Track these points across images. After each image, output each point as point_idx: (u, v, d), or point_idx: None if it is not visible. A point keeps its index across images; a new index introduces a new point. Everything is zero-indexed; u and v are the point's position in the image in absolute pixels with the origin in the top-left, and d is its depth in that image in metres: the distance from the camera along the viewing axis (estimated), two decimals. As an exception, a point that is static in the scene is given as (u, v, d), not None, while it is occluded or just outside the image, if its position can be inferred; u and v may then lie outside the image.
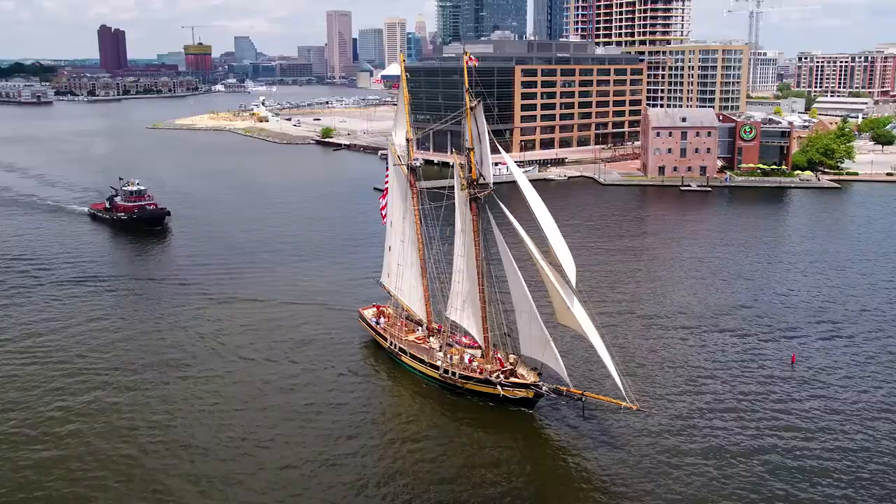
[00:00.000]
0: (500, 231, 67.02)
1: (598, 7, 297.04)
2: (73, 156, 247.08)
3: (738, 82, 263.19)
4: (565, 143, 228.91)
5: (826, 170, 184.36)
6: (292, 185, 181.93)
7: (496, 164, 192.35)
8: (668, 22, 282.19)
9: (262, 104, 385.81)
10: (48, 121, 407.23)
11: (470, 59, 78.99)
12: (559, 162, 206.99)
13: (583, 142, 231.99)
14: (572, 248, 64.23)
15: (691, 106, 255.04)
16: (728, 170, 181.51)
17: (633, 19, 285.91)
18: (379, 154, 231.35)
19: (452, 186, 73.56)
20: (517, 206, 65.73)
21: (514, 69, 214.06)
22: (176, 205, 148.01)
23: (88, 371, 73.74)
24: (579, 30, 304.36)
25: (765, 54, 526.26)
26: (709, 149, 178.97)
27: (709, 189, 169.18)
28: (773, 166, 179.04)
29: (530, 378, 64.11)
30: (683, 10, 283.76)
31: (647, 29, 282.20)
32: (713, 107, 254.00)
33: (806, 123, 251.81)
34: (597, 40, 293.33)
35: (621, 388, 57.91)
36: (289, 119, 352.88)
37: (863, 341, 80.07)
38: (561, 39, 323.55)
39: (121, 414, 64.83)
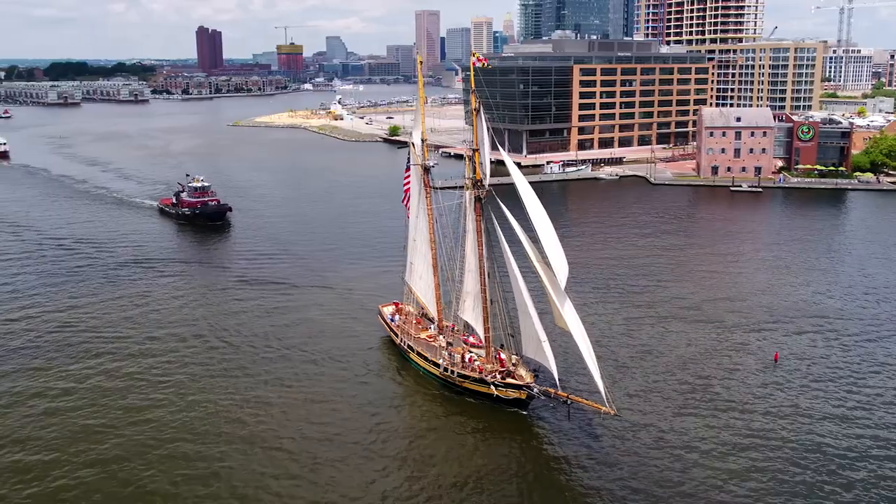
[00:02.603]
0: (504, 231, 67.89)
1: (670, 5, 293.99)
2: (155, 151, 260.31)
3: (811, 81, 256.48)
4: (625, 143, 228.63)
5: (890, 171, 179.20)
6: (351, 182, 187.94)
7: (548, 162, 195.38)
8: (740, 20, 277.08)
9: (339, 102, 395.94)
10: (140, 118, 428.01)
11: (479, 59, 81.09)
12: (617, 161, 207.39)
13: (644, 141, 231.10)
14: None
15: (761, 106, 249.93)
16: (786, 170, 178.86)
17: (703, 17, 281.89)
18: (440, 152, 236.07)
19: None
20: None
21: (572, 68, 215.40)
22: (241, 200, 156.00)
23: (103, 341, 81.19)
24: (650, 28, 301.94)
25: (858, 52, 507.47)
26: (764, 149, 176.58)
27: (759, 190, 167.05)
28: (832, 167, 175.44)
29: (527, 379, 65.20)
30: (757, 7, 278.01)
31: (719, 27, 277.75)
32: (784, 106, 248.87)
33: (886, 123, 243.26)
34: (667, 39, 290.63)
35: (602, 393, 58.94)
36: (362, 117, 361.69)
37: (861, 345, 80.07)
38: (625, 38, 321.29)
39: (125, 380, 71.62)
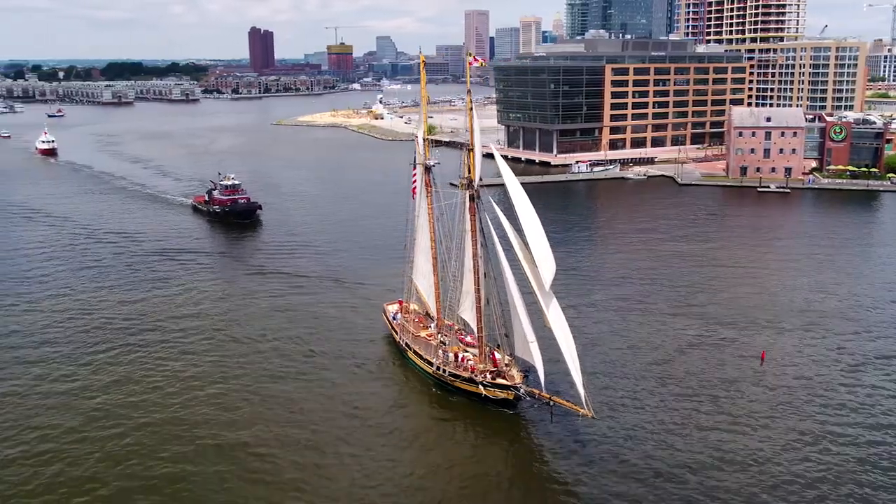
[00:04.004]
0: (499, 230, 68.25)
1: (710, 4, 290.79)
2: (197, 149, 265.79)
3: (853, 81, 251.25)
4: (658, 143, 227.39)
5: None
6: (379, 181, 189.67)
7: (576, 162, 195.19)
8: (781, 18, 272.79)
9: (380, 102, 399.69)
10: (189, 117, 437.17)
11: (475, 59, 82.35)
12: (648, 161, 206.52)
13: (678, 141, 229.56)
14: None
15: (801, 106, 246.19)
16: (818, 171, 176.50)
17: (744, 16, 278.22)
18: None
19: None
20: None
21: (603, 68, 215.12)
22: (273, 198, 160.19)
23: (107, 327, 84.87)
24: (689, 27, 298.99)
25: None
26: (794, 149, 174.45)
27: (787, 191, 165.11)
28: (864, 168, 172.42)
29: (518, 379, 65.76)
30: (798, 5, 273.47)
31: (759, 26, 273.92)
32: (825, 106, 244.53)
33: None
34: (707, 38, 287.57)
35: (581, 396, 59.27)
36: (401, 117, 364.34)
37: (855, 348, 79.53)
38: (661, 38, 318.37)
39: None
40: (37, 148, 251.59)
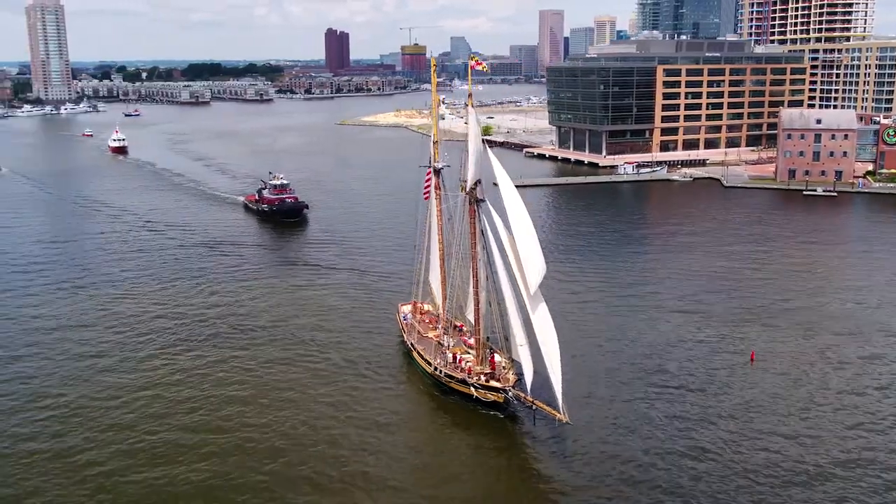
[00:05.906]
0: (496, 234, 68.82)
1: (774, 3, 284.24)
2: (259, 148, 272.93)
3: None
4: (712, 144, 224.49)
5: None
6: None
7: (624, 163, 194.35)
8: (847, 17, 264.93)
9: (442, 102, 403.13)
10: (260, 116, 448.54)
11: (477, 63, 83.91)
12: (700, 163, 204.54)
13: (734, 143, 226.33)
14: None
15: (866, 108, 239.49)
16: (871, 175, 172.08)
17: (808, 16, 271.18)
18: (524, 152, 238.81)
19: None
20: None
21: (655, 69, 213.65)
22: (323, 197, 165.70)
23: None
24: (753, 27, 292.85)
25: None
26: (845, 152, 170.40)
27: (834, 194, 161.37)
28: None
29: (511, 382, 66.37)
30: (867, 3, 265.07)
31: (824, 26, 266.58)
32: (890, 108, 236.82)
33: None
34: (771, 38, 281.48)
35: (559, 401, 60.09)
36: (461, 117, 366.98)
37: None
38: (718, 38, 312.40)
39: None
40: (109, 146, 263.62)
